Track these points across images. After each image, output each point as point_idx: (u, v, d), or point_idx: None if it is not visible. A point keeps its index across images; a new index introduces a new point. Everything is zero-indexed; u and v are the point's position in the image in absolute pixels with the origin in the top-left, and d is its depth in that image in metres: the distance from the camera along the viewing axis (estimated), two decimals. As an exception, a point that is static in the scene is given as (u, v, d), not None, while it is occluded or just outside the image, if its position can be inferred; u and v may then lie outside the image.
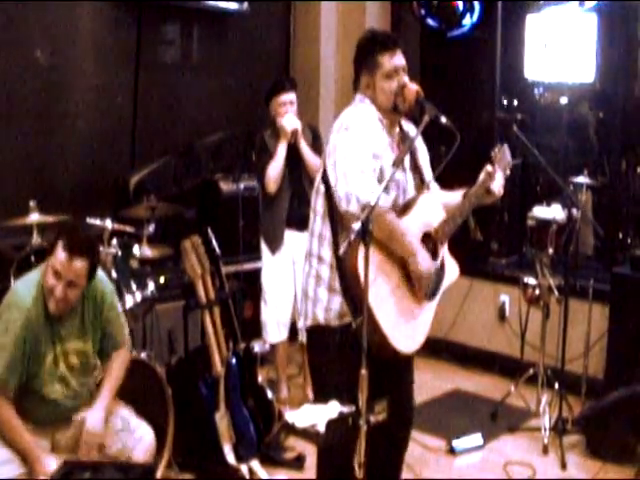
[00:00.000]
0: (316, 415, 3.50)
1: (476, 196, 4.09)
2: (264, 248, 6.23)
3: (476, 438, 5.78)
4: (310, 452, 5.45)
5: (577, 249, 5.87)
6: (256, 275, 6.89)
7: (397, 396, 4.08)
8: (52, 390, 4.08)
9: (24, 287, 4.07)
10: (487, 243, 7.16)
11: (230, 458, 5.26)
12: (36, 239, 5.32)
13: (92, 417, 4.13)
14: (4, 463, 3.89)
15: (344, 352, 3.86)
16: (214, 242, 5.68)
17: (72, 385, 4.17)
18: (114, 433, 4.25)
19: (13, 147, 6.15)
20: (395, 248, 3.79)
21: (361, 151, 3.78)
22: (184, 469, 5.26)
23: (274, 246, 6.16)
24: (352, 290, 3.74)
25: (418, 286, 3.85)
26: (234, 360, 5.47)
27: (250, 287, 6.88)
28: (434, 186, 4.23)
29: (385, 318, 3.71)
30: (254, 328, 6.86)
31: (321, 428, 3.47)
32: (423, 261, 3.81)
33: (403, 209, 3.94)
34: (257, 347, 5.99)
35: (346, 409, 3.47)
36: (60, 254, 3.95)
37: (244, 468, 5.25)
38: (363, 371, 3.41)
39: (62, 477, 3.33)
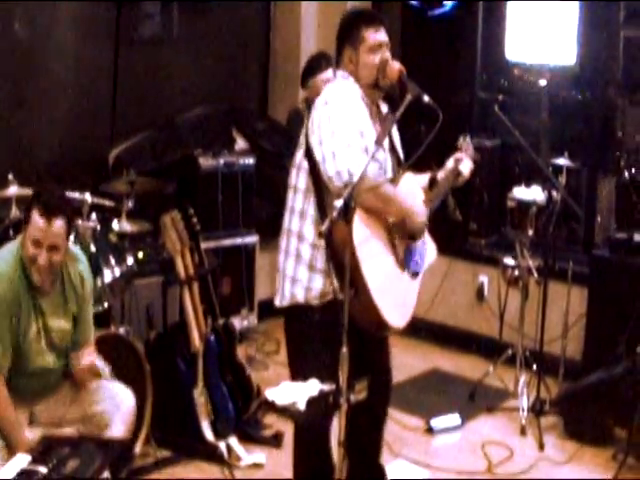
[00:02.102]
0: (296, 393, 3.49)
1: (447, 181, 4.17)
2: None
3: (454, 418, 5.79)
4: (288, 429, 5.44)
5: (556, 231, 5.88)
6: (235, 251, 6.92)
7: (376, 373, 4.08)
8: (34, 363, 4.06)
9: (1, 260, 4.03)
10: (466, 223, 7.13)
11: (208, 435, 5.27)
12: (15, 212, 5.24)
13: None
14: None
15: (325, 331, 3.85)
16: (194, 218, 5.66)
17: (51, 359, 4.14)
18: (94, 393, 4.24)
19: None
20: (393, 212, 3.81)
21: (346, 126, 3.77)
22: (162, 445, 5.24)
23: None
24: (343, 267, 3.71)
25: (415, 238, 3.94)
26: (212, 337, 5.45)
27: (229, 263, 6.87)
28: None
29: (378, 293, 3.71)
30: (233, 304, 6.87)
31: (301, 406, 3.46)
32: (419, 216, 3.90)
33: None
34: (236, 323, 5.99)
35: (326, 387, 3.47)
36: (37, 220, 3.91)
37: (222, 445, 5.25)
38: (344, 349, 3.41)
39: (41, 453, 3.30)
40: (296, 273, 3.95)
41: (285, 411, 3.84)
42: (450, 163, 4.20)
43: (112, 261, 5.25)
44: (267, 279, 7.12)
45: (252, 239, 7.08)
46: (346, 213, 3.41)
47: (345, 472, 3.83)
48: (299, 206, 3.96)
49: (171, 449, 5.28)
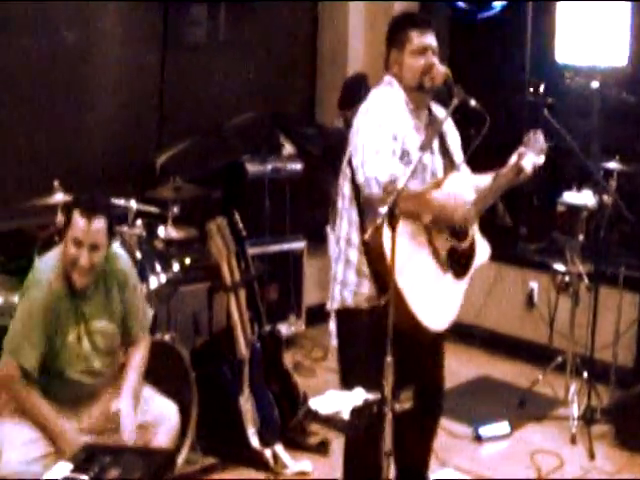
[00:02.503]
0: (340, 402, 3.45)
1: (506, 177, 4.02)
2: None
3: (503, 426, 5.71)
4: (334, 437, 5.41)
5: (607, 236, 5.79)
6: (282, 257, 6.89)
7: (427, 382, 4.04)
8: (75, 370, 4.04)
9: (43, 266, 4.05)
10: (516, 228, 7.06)
11: (254, 442, 5.22)
12: (60, 219, 5.22)
13: (124, 407, 4.08)
14: (31, 442, 3.86)
15: (374, 335, 3.81)
16: (240, 224, 5.64)
17: (96, 365, 4.12)
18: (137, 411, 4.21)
19: (39, 126, 6.08)
20: (426, 212, 3.74)
21: (378, 133, 3.76)
22: (207, 452, 5.21)
23: None
24: (379, 274, 3.70)
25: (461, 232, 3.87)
26: (258, 343, 5.42)
27: (276, 269, 6.84)
28: (465, 169, 4.17)
29: (413, 296, 3.66)
30: (280, 310, 6.84)
31: (345, 416, 3.42)
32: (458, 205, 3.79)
33: (432, 188, 3.89)
34: (283, 330, 5.95)
35: (372, 396, 3.42)
36: (78, 220, 3.91)
37: (268, 452, 5.20)
38: (388, 358, 3.36)
39: (83, 460, 3.28)
40: (345, 277, 3.97)
41: (329, 421, 3.80)
42: (512, 159, 4.10)
43: (158, 267, 5.24)
44: (315, 285, 7.11)
45: (299, 245, 7.05)
46: (391, 219, 3.36)
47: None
48: (347, 212, 3.96)
49: (217, 456, 5.25)
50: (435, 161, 4.01)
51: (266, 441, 5.25)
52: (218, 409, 5.27)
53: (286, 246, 6.94)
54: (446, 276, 3.91)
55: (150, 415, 4.22)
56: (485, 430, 5.65)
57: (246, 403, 5.25)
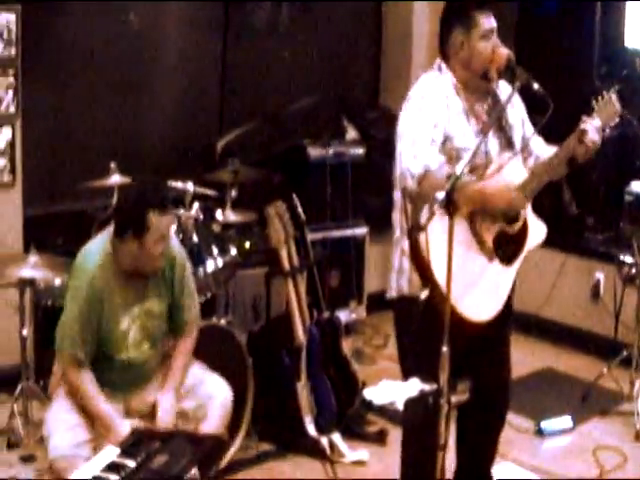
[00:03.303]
0: (395, 392, 3.38)
1: (567, 149, 3.83)
2: None
3: (565, 420, 5.57)
4: (393, 427, 5.33)
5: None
6: (344, 243, 6.82)
7: (491, 376, 3.94)
8: (125, 354, 4.00)
9: (90, 252, 4.00)
10: (582, 218, 6.90)
11: (311, 430, 5.15)
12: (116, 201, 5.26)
13: (165, 402, 4.05)
14: (73, 427, 3.83)
15: (430, 324, 3.71)
16: (299, 208, 5.58)
17: (145, 349, 4.08)
18: (187, 391, 4.18)
19: (99, 108, 6.09)
20: (469, 205, 3.63)
21: (417, 121, 3.69)
22: (263, 439, 5.18)
23: None
24: (420, 268, 3.64)
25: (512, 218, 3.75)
26: (317, 330, 5.35)
27: (338, 255, 6.76)
28: (538, 140, 4.03)
29: (453, 290, 3.54)
30: (341, 297, 6.76)
31: (400, 406, 3.34)
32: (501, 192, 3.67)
33: (482, 171, 3.76)
34: (344, 317, 5.87)
35: (427, 387, 3.34)
36: (157, 222, 3.84)
37: (324, 441, 5.13)
38: (444, 348, 3.27)
39: (131, 445, 3.23)
40: (401, 265, 3.90)
41: (383, 411, 3.74)
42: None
43: (215, 251, 5.18)
44: (377, 272, 7.01)
45: (362, 231, 6.95)
46: (448, 206, 3.26)
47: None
48: (400, 200, 3.86)
49: (273, 443, 5.20)
50: (489, 142, 3.88)
51: (323, 429, 5.18)
52: (275, 395, 5.23)
53: (348, 232, 6.86)
54: (492, 264, 3.79)
55: (200, 397, 4.18)
56: (547, 424, 5.51)
57: (303, 390, 5.18)
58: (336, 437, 5.19)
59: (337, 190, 6.77)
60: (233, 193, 5.43)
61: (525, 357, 6.55)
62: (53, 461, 3.76)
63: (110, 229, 4.01)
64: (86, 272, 3.90)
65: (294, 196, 5.59)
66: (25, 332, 4.87)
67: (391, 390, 3.38)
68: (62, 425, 3.83)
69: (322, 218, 6.63)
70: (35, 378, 5.02)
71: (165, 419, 3.99)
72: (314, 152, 6.68)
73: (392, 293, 3.98)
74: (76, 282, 3.92)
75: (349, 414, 5.40)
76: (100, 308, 3.89)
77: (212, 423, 4.11)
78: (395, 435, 5.27)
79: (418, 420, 3.69)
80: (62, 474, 3.72)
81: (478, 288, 3.74)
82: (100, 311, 3.89)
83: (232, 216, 5.43)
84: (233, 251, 5.28)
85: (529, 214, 3.91)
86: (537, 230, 3.96)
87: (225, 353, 4.91)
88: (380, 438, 5.32)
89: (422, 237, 3.45)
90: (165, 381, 4.11)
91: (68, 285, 4.01)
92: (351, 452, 5.13)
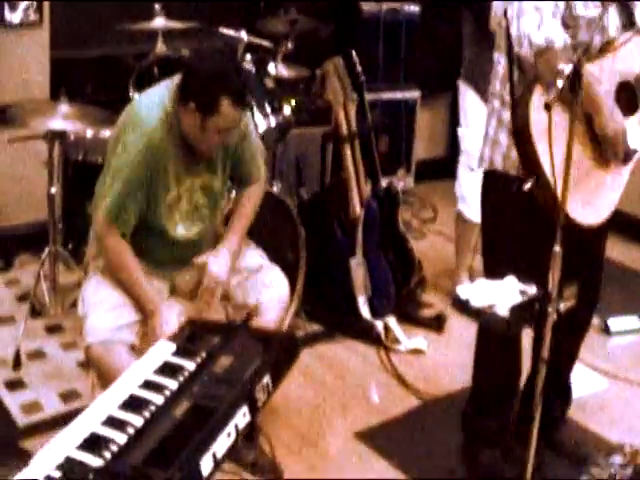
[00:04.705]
0: (493, 293, 2.91)
1: None
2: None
3: (633, 320, 5.14)
4: (451, 313, 4.93)
5: None
6: (394, 106, 6.42)
7: (587, 277, 3.53)
8: (173, 228, 3.44)
9: (149, 104, 3.39)
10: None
11: (364, 311, 4.71)
12: (160, 47, 4.78)
13: (215, 262, 3.50)
14: (120, 307, 3.32)
15: (524, 208, 3.27)
16: (358, 66, 5.06)
17: (196, 224, 3.53)
18: (242, 279, 3.65)
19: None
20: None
21: None
22: (313, 319, 4.77)
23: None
24: (522, 145, 3.19)
25: (605, 148, 3.27)
26: (375, 202, 4.83)
27: (387, 119, 6.33)
28: None
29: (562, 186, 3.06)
30: (389, 164, 6.29)
31: (501, 311, 2.87)
32: (611, 119, 3.20)
33: (598, 52, 3.27)
34: (399, 185, 5.36)
35: (527, 288, 2.86)
36: (228, 112, 3.24)
37: (379, 324, 4.68)
38: (557, 248, 2.81)
39: (187, 340, 2.65)
40: (497, 137, 3.43)
41: (481, 314, 3.28)
42: None
43: (268, 109, 4.64)
44: (427, 138, 6.68)
45: (413, 94, 6.54)
46: (573, 83, 2.73)
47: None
48: (502, 69, 3.40)
49: (323, 324, 4.77)
50: (609, 17, 3.33)
51: (377, 312, 4.72)
52: (327, 272, 4.77)
53: (399, 95, 6.46)
54: (605, 165, 3.32)
55: (255, 284, 3.64)
56: (614, 323, 5.08)
57: (358, 268, 4.71)
58: (392, 321, 4.73)
59: (389, 49, 6.39)
60: (289, 45, 4.89)
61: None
62: (89, 347, 3.26)
63: (172, 82, 3.40)
64: (144, 129, 3.31)
65: (353, 53, 5.08)
66: (53, 190, 4.37)
67: (489, 290, 2.94)
68: (101, 305, 3.32)
69: (372, 79, 6.08)
70: (63, 240, 4.55)
71: (215, 275, 3.48)
72: (366, 7, 6.28)
73: (483, 164, 3.51)
74: (130, 137, 3.32)
75: (403, 294, 4.94)
76: (154, 169, 3.33)
77: (268, 318, 3.58)
78: (454, 322, 4.85)
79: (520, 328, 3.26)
80: (99, 362, 3.25)
81: (589, 190, 3.29)
82: (152, 172, 3.33)
83: (285, 71, 4.96)
84: (287, 110, 4.75)
85: None
86: None
87: (275, 224, 4.44)
88: (437, 324, 4.86)
89: (534, 119, 3.07)
90: (223, 237, 3.60)
91: (118, 137, 3.40)
92: (407, 339, 4.67)
